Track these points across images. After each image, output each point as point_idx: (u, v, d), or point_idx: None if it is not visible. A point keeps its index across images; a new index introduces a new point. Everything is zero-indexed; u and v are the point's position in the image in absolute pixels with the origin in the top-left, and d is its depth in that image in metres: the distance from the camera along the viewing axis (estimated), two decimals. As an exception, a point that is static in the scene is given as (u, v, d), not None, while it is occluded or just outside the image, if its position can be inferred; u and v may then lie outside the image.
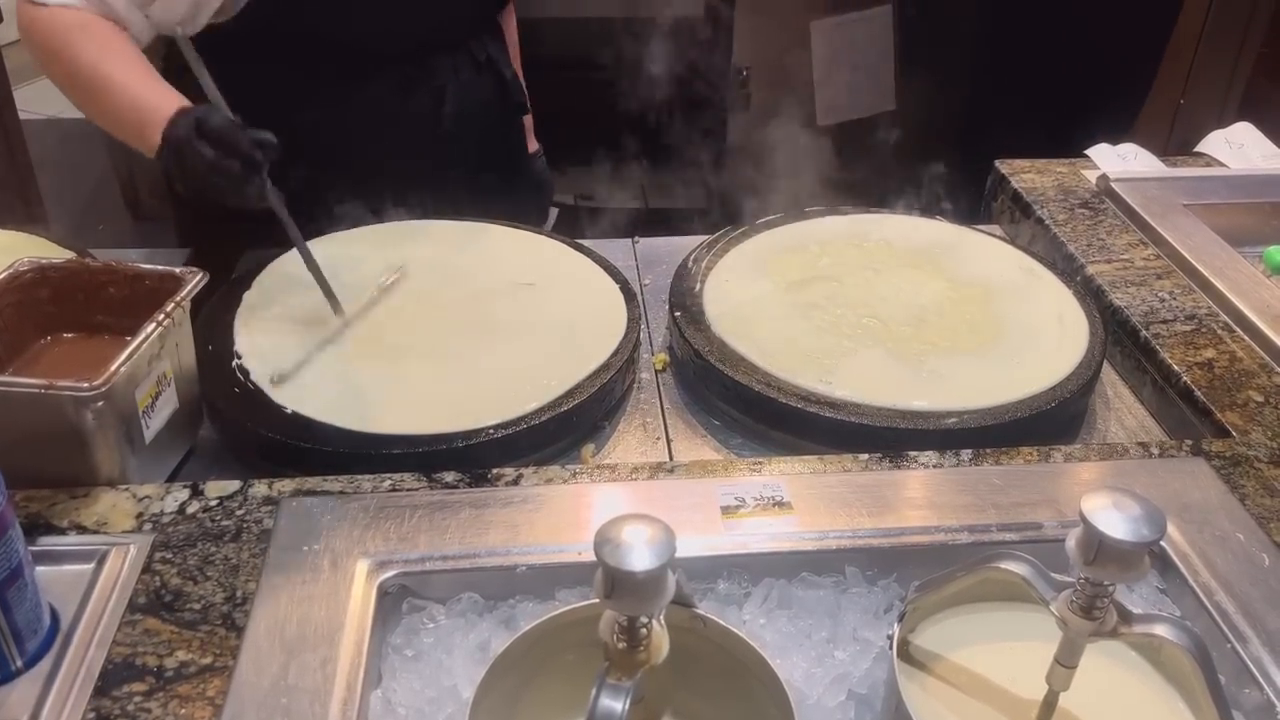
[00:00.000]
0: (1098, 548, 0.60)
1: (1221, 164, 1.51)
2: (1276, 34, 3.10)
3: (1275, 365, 1.09)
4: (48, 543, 0.83)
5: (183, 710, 0.70)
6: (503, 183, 1.50)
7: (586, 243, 1.30)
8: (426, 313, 1.15)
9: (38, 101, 4.25)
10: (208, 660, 0.73)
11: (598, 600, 0.57)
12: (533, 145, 1.59)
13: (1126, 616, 0.64)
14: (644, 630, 0.59)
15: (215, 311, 1.12)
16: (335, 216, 1.30)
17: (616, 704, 0.56)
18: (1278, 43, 3.09)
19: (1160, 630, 0.64)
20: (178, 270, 0.97)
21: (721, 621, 0.68)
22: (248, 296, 1.15)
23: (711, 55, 2.25)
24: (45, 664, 0.73)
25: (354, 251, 1.25)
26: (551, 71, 1.71)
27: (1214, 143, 1.55)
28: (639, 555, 0.54)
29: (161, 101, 1.06)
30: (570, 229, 1.40)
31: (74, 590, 0.79)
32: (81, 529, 0.84)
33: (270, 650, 0.74)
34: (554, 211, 1.61)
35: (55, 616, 0.76)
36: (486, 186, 1.46)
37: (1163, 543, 0.84)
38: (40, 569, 0.78)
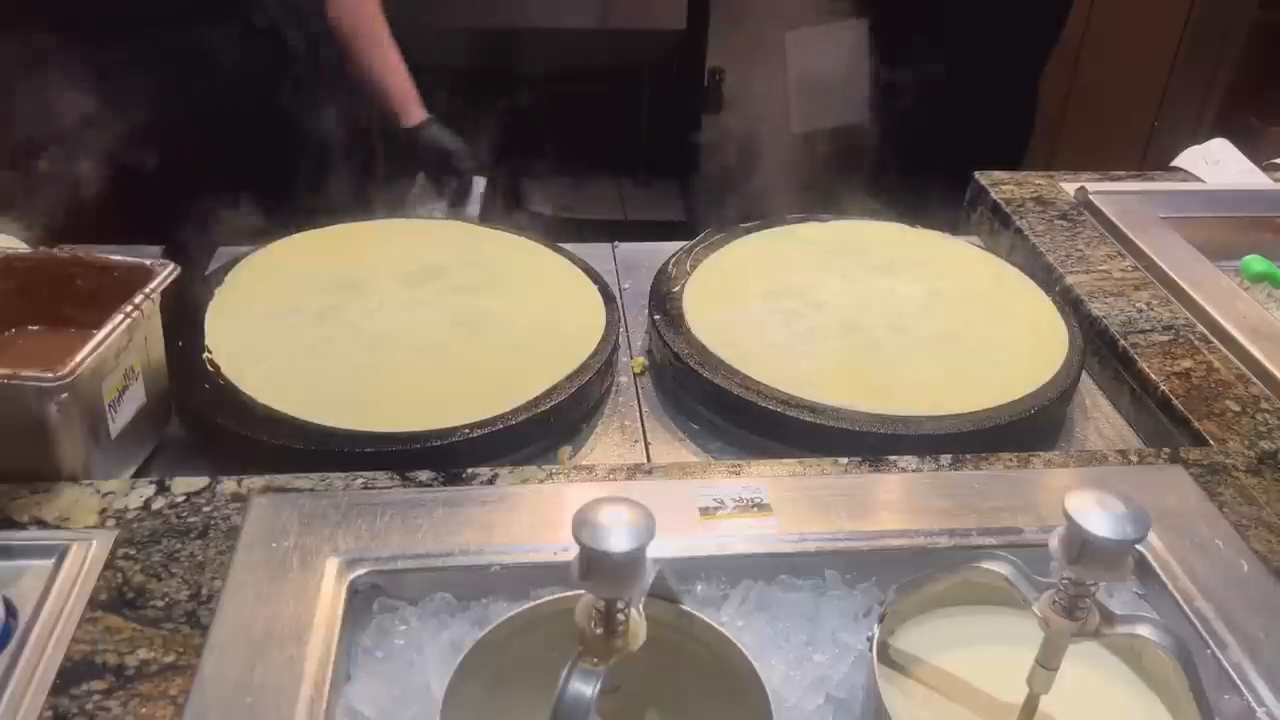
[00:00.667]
0: (1081, 546, 0.59)
1: (1198, 179, 1.52)
2: (1249, 58, 3.15)
3: (1251, 376, 1.10)
4: (6, 537, 0.80)
5: (143, 709, 0.68)
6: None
7: (566, 246, 1.29)
8: (402, 311, 1.13)
9: (10, 103, 4.20)
10: (170, 659, 0.71)
11: (574, 581, 0.55)
12: (415, 117, 1.60)
13: (1109, 617, 0.63)
14: (621, 616, 0.58)
15: (186, 306, 1.10)
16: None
17: (587, 688, 0.54)
18: (1250, 66, 3.14)
19: (1142, 631, 0.63)
20: (148, 262, 0.95)
21: (707, 619, 0.67)
22: (219, 291, 1.13)
23: (687, 63, 2.26)
24: (1, 661, 0.71)
25: (327, 252, 1.24)
26: (533, 83, 1.71)
27: (1190, 158, 1.57)
28: (617, 537, 0.53)
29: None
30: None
31: (33, 586, 0.77)
32: (42, 524, 0.82)
33: (236, 649, 0.72)
34: (478, 182, 1.61)
35: (13, 612, 0.74)
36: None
37: (1142, 549, 0.84)
38: (-2, 563, 0.76)
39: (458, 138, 1.60)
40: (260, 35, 1.40)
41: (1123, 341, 1.15)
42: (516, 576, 0.80)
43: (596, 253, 1.37)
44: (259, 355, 1.03)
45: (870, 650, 0.68)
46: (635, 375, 1.15)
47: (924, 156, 1.52)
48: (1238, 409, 1.04)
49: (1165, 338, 1.16)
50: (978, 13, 1.43)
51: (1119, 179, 1.52)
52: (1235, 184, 1.51)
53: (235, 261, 1.20)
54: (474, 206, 1.57)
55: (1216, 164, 1.54)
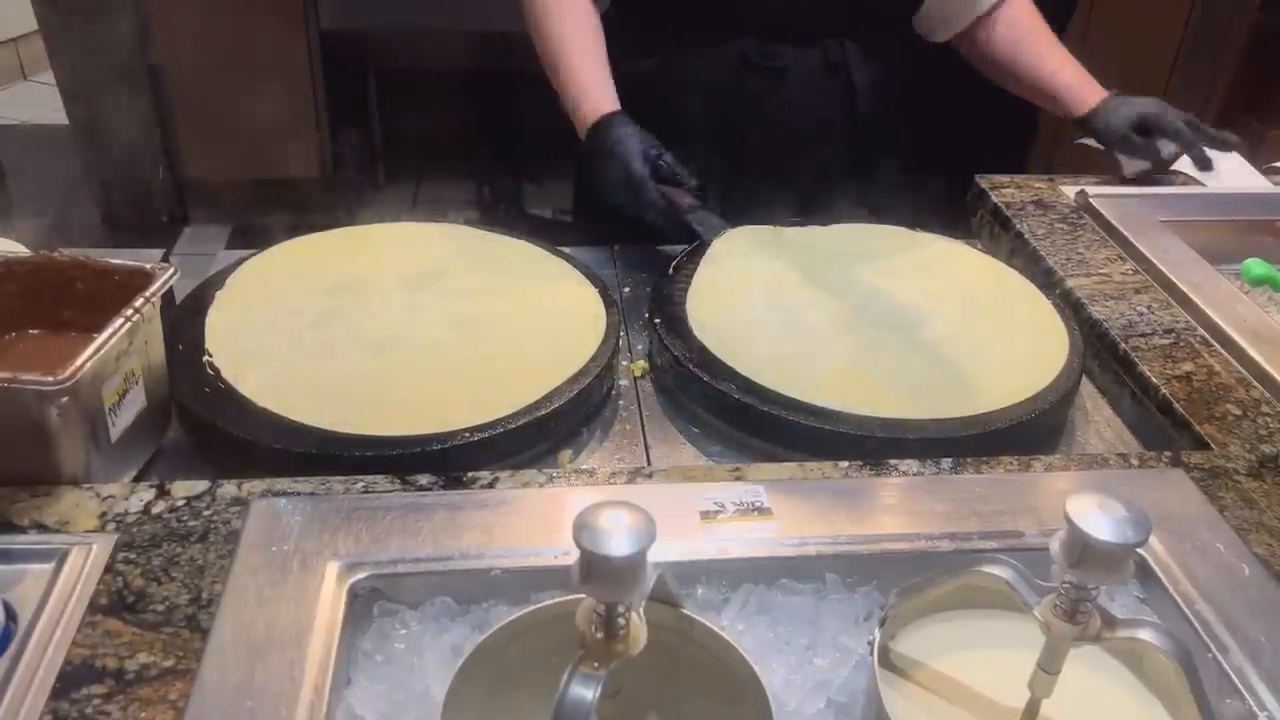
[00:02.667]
0: (1082, 550, 0.59)
1: (1199, 182, 1.52)
2: (1249, 60, 3.15)
3: (1252, 379, 1.09)
4: (6, 541, 0.80)
5: (143, 713, 0.68)
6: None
7: (566, 249, 1.29)
8: (403, 314, 1.13)
9: (10, 107, 4.21)
10: (170, 663, 0.71)
11: (574, 585, 0.55)
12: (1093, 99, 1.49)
13: (1110, 621, 0.63)
14: (621, 620, 0.58)
15: (186, 310, 1.10)
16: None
17: (587, 692, 0.54)
18: (1251, 69, 3.14)
19: (1144, 635, 0.63)
20: (148, 265, 0.95)
21: (707, 623, 0.67)
22: (220, 295, 1.13)
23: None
24: (1, 665, 0.71)
25: (328, 256, 1.24)
26: (533, 84, 1.70)
27: (1188, 161, 1.57)
28: (617, 541, 0.53)
29: (597, 91, 1.27)
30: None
31: (33, 590, 0.76)
32: (42, 528, 0.82)
33: (236, 653, 0.72)
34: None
35: (13, 616, 0.74)
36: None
37: (1143, 552, 0.84)
38: (-2, 567, 0.76)
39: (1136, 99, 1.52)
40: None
41: (1123, 345, 1.15)
42: (517, 580, 0.79)
43: (596, 255, 1.37)
44: (259, 359, 1.03)
45: (871, 654, 0.68)
46: (636, 378, 1.15)
47: (924, 161, 1.52)
48: (1239, 412, 1.04)
49: (1166, 341, 1.15)
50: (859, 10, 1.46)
51: (1117, 183, 1.52)
52: (1236, 187, 1.51)
53: (235, 265, 1.19)
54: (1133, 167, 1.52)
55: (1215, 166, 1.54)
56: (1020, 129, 1.96)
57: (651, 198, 1.22)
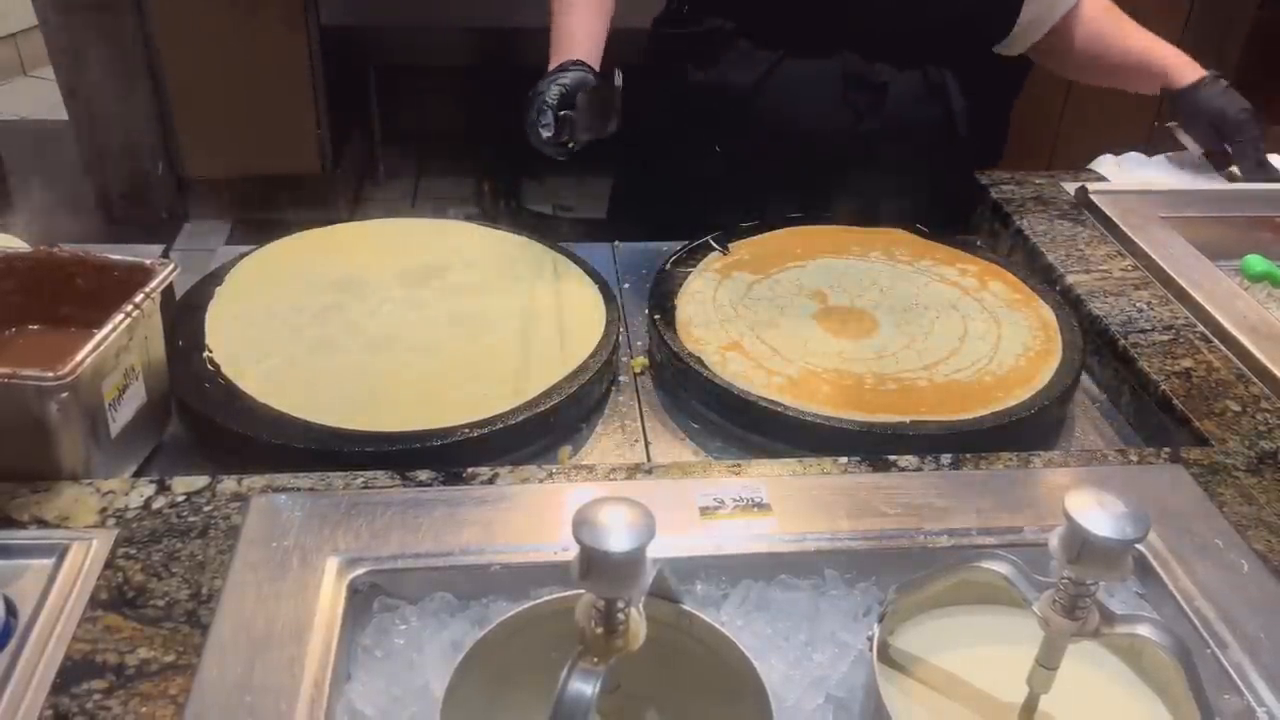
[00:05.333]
0: (1081, 546, 0.59)
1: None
2: (1249, 58, 3.14)
3: (1252, 375, 1.09)
4: (6, 536, 0.80)
5: (144, 709, 0.68)
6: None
7: (567, 245, 1.29)
8: (403, 311, 1.13)
9: (9, 102, 4.21)
10: (170, 658, 0.71)
11: (574, 581, 0.55)
12: (1191, 75, 1.50)
13: (1109, 617, 0.63)
14: (621, 616, 0.58)
15: (186, 306, 1.10)
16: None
17: (587, 687, 0.54)
18: (1250, 66, 3.14)
19: (1142, 630, 0.63)
20: (147, 261, 0.95)
21: (707, 618, 0.67)
22: (220, 291, 1.13)
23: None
24: (1, 660, 0.71)
25: (327, 251, 1.24)
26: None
27: (1105, 164, 1.58)
28: (617, 537, 0.53)
29: (569, 46, 1.29)
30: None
31: (33, 585, 0.77)
32: (42, 523, 0.82)
33: (236, 648, 0.72)
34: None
35: (13, 611, 0.74)
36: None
37: (1142, 548, 0.84)
38: (-2, 563, 0.76)
39: (1232, 93, 1.54)
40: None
41: (1123, 341, 1.15)
42: (516, 576, 0.80)
43: (596, 251, 1.37)
44: (259, 354, 1.03)
45: (870, 650, 0.68)
46: (635, 375, 1.15)
47: (906, 166, 1.52)
48: (1238, 408, 1.04)
49: (1165, 337, 1.15)
50: (957, 37, 1.45)
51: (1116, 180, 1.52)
52: (1237, 184, 1.51)
53: (235, 261, 1.19)
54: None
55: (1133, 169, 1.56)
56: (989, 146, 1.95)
57: (534, 118, 1.19)
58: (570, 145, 1.20)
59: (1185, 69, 1.50)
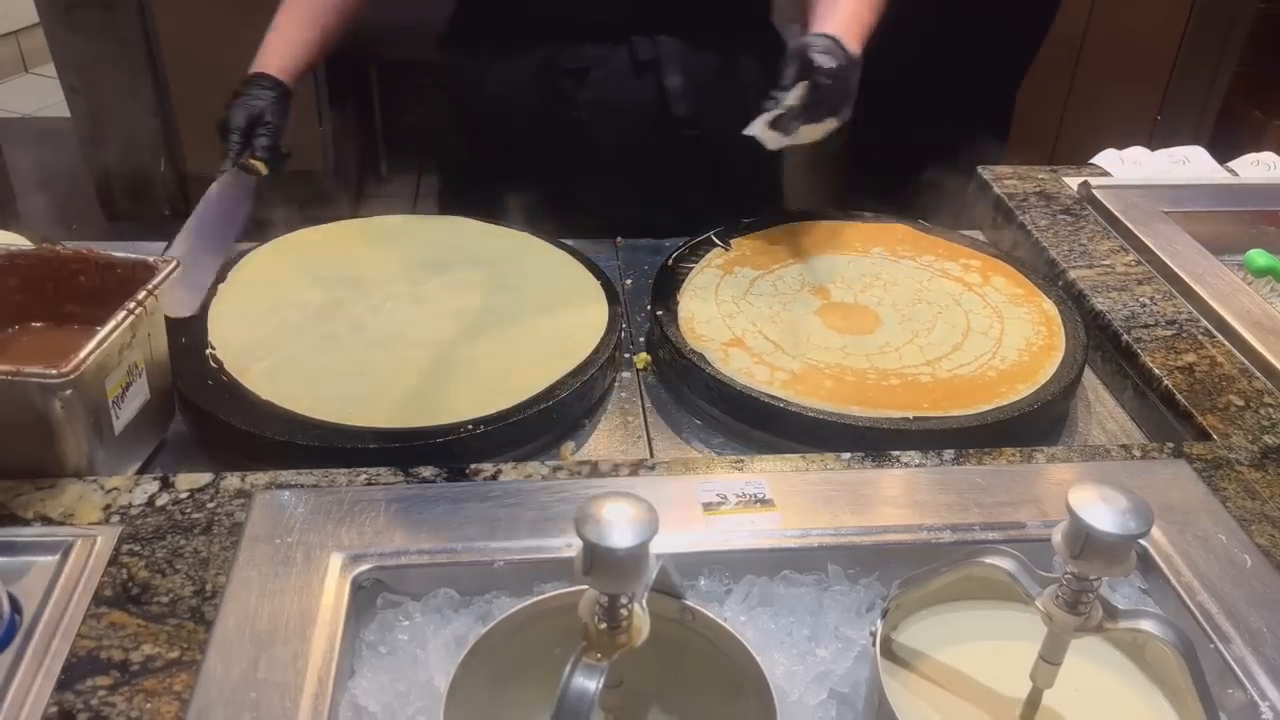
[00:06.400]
0: (1084, 541, 0.59)
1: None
2: (1253, 51, 3.14)
3: (1255, 370, 1.09)
4: (11, 534, 0.81)
5: (148, 705, 0.68)
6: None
7: (569, 241, 1.29)
8: (405, 307, 1.13)
9: (11, 100, 4.21)
10: (175, 654, 0.71)
11: (577, 577, 0.55)
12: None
13: (1112, 612, 0.63)
14: (624, 612, 0.58)
15: (189, 303, 1.10)
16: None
17: (590, 683, 0.55)
18: (1254, 60, 3.13)
19: (1145, 625, 0.63)
20: (150, 259, 0.95)
21: (710, 614, 0.67)
22: (222, 288, 1.13)
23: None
24: (6, 657, 0.71)
25: (330, 248, 1.24)
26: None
27: (1108, 157, 1.58)
28: (620, 532, 0.53)
29: (268, 57, 1.29)
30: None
31: (38, 582, 0.77)
32: (47, 520, 0.82)
33: (240, 644, 0.72)
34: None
35: (18, 608, 0.74)
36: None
37: (1145, 543, 0.84)
38: (2, 560, 0.76)
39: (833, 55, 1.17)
40: None
41: (1126, 336, 1.15)
42: (520, 572, 0.80)
43: (599, 248, 1.37)
44: (262, 351, 1.04)
45: (873, 645, 0.68)
46: (638, 371, 1.15)
47: (903, 156, 1.50)
48: (1241, 403, 1.04)
49: (1169, 332, 1.15)
50: (961, 25, 1.41)
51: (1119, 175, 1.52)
52: (1240, 179, 1.51)
53: (239, 258, 1.20)
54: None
55: (1135, 164, 1.55)
56: (995, 130, 1.93)
57: (230, 151, 1.22)
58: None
59: (826, 22, 1.22)
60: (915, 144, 1.70)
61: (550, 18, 1.35)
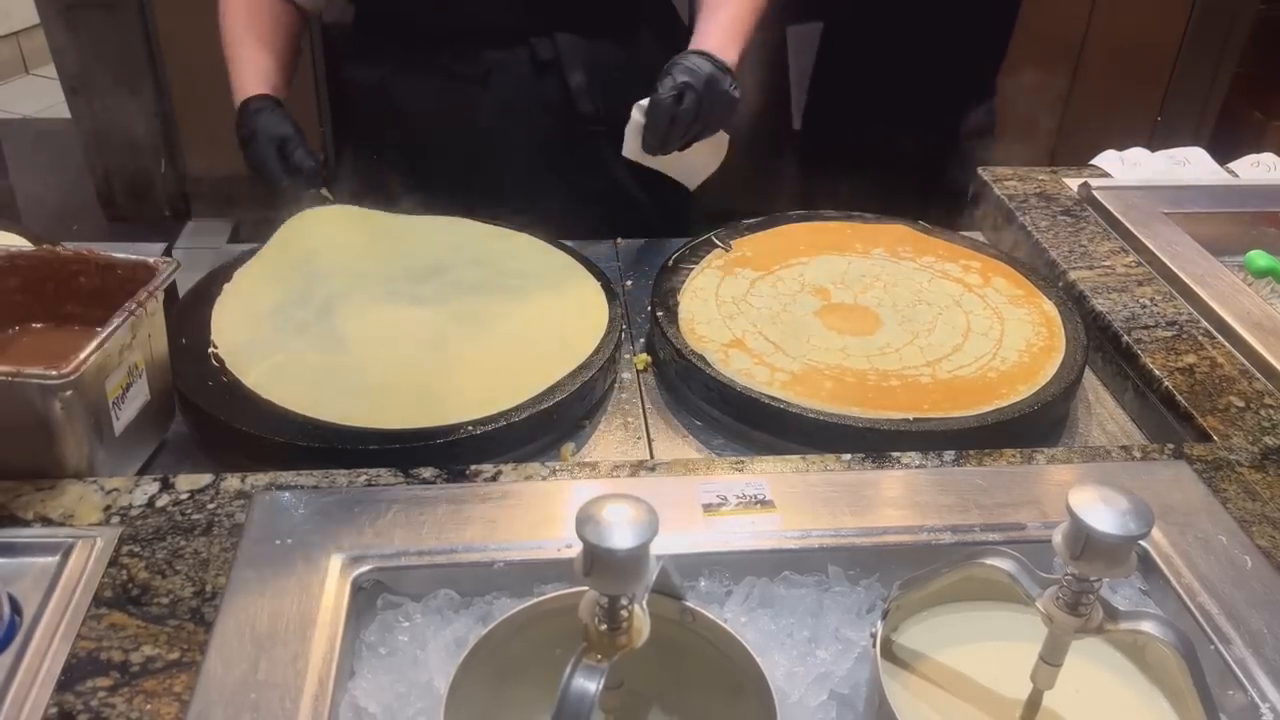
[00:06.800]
0: (1085, 542, 0.59)
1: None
2: (1253, 52, 3.14)
3: (1255, 371, 1.09)
4: (11, 535, 0.81)
5: (148, 706, 0.68)
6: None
7: (569, 242, 1.29)
8: (406, 308, 1.13)
9: (12, 101, 4.22)
10: (175, 655, 0.71)
11: (577, 578, 0.55)
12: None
13: (1112, 613, 0.63)
14: (624, 613, 0.58)
15: (190, 304, 1.10)
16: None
17: (590, 684, 0.54)
18: (1254, 61, 3.13)
19: (1146, 627, 0.63)
20: (151, 260, 0.95)
21: (710, 615, 0.67)
22: (225, 289, 1.13)
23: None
24: (6, 658, 0.71)
25: (325, 248, 1.24)
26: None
27: (1108, 158, 1.58)
28: (620, 534, 0.53)
29: (247, 82, 1.30)
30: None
31: (38, 583, 0.77)
32: (47, 521, 0.82)
33: (240, 645, 0.72)
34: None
35: (18, 609, 0.74)
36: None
37: (1146, 544, 0.84)
38: (2, 561, 0.76)
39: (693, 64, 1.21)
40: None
41: (1126, 337, 1.15)
42: (520, 573, 0.80)
43: (598, 249, 1.37)
44: (262, 352, 1.03)
45: (874, 646, 0.68)
46: (638, 372, 1.15)
47: (896, 156, 1.50)
48: (1241, 404, 1.04)
49: (1169, 333, 1.15)
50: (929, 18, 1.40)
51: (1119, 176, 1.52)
52: (1241, 180, 1.51)
53: (239, 258, 1.20)
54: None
55: (1135, 166, 1.55)
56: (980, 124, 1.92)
57: (275, 181, 1.25)
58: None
59: (703, 30, 1.25)
60: (894, 138, 1.69)
61: (445, 25, 1.35)
